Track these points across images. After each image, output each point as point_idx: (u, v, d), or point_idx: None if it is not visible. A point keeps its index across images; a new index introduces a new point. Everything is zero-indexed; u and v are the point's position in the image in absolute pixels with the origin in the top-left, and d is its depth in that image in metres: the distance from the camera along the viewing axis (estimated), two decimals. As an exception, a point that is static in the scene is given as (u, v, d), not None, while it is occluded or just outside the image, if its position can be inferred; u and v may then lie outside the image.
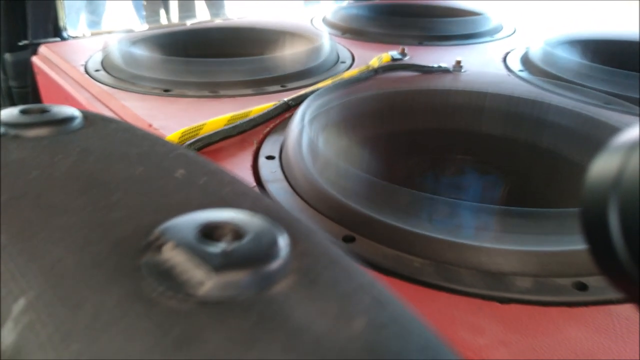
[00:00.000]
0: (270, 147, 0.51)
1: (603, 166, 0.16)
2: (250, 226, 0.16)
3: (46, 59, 0.78)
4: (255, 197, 0.20)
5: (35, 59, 0.80)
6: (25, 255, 0.15)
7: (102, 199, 0.18)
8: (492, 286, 0.34)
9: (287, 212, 0.19)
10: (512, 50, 0.89)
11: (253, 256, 0.15)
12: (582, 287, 0.34)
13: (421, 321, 0.15)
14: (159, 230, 0.16)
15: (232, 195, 0.19)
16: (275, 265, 0.15)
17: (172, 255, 0.15)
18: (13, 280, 0.15)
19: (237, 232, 0.16)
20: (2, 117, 0.23)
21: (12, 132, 0.22)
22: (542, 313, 0.32)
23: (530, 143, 0.62)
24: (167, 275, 0.14)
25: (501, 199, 0.59)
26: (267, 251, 0.15)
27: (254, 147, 0.51)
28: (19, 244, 0.16)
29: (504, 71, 0.79)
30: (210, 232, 0.16)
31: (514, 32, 1.04)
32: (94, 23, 2.45)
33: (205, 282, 0.14)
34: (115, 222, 0.17)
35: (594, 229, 0.16)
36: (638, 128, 0.16)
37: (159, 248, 0.15)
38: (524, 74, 0.77)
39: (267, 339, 0.12)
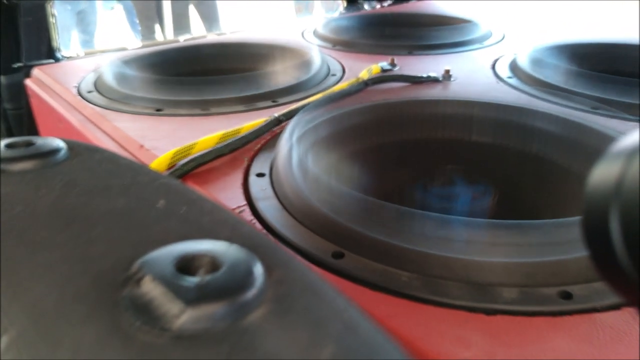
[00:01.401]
0: (260, 164, 0.51)
1: (603, 174, 0.16)
2: (226, 257, 0.17)
3: (39, 81, 0.79)
4: (234, 225, 0.20)
5: (28, 82, 0.81)
6: (8, 293, 0.16)
7: (84, 234, 0.18)
8: (479, 298, 0.34)
9: (265, 239, 0.20)
10: (501, 57, 0.90)
11: (227, 288, 0.15)
12: (567, 296, 0.34)
13: (393, 344, 0.16)
14: (138, 264, 0.16)
15: (211, 225, 0.20)
16: (249, 295, 0.15)
17: (149, 289, 0.15)
18: (-3, 318, 0.16)
19: (213, 264, 0.16)
20: None
21: (-2, 166, 0.23)
22: (527, 323, 0.32)
23: (519, 150, 0.63)
24: (145, 309, 0.15)
25: (491, 207, 0.59)
26: (242, 282, 0.16)
27: (245, 164, 0.52)
28: (2, 282, 0.16)
29: (493, 78, 0.80)
30: (187, 264, 0.16)
31: (503, 38, 1.05)
32: (86, 42, 2.47)
33: (180, 315, 0.14)
34: (96, 257, 0.17)
35: (596, 237, 0.16)
36: (636, 135, 0.16)
37: (138, 282, 0.16)
38: (513, 81, 0.78)
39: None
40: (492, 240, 0.36)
